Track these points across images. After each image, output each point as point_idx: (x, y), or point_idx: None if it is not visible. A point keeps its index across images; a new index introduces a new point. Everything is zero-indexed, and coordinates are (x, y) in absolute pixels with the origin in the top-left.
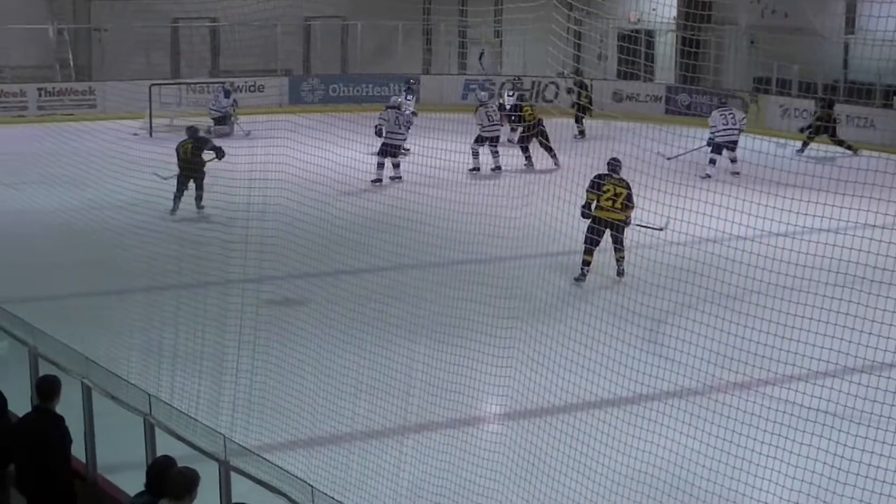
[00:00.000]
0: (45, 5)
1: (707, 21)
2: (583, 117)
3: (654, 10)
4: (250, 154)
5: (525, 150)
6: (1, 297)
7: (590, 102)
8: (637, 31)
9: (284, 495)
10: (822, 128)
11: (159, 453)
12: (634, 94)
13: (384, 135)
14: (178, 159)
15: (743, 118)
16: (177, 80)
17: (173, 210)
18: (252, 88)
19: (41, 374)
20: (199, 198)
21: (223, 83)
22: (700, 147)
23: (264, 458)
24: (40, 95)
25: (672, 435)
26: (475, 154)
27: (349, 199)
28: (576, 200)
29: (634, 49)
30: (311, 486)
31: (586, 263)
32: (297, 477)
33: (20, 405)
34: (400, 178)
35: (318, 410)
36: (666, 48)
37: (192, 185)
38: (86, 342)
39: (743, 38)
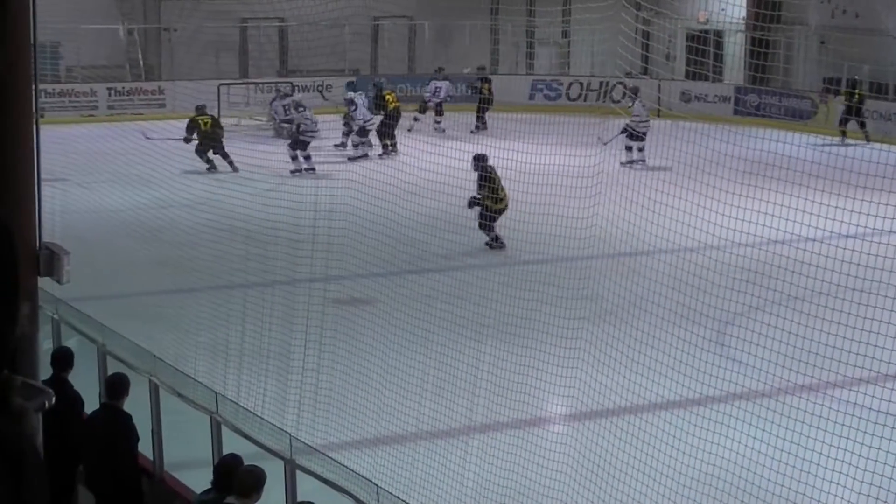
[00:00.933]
0: (115, 6)
1: (777, 21)
2: (486, 109)
3: (723, 10)
4: (316, 154)
5: (385, 136)
6: (70, 295)
7: (490, 95)
8: (706, 32)
9: (350, 494)
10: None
11: (225, 451)
12: (703, 94)
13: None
14: (198, 131)
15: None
16: (245, 80)
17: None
18: (320, 88)
19: (109, 371)
20: (231, 163)
21: (278, 89)
22: (620, 134)
23: (330, 457)
24: (110, 95)
25: (738, 437)
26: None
27: (416, 199)
28: (644, 202)
29: (703, 49)
30: (377, 486)
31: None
32: (362, 476)
33: (88, 403)
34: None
35: (384, 409)
36: (735, 48)
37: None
38: (153, 340)
39: (813, 38)
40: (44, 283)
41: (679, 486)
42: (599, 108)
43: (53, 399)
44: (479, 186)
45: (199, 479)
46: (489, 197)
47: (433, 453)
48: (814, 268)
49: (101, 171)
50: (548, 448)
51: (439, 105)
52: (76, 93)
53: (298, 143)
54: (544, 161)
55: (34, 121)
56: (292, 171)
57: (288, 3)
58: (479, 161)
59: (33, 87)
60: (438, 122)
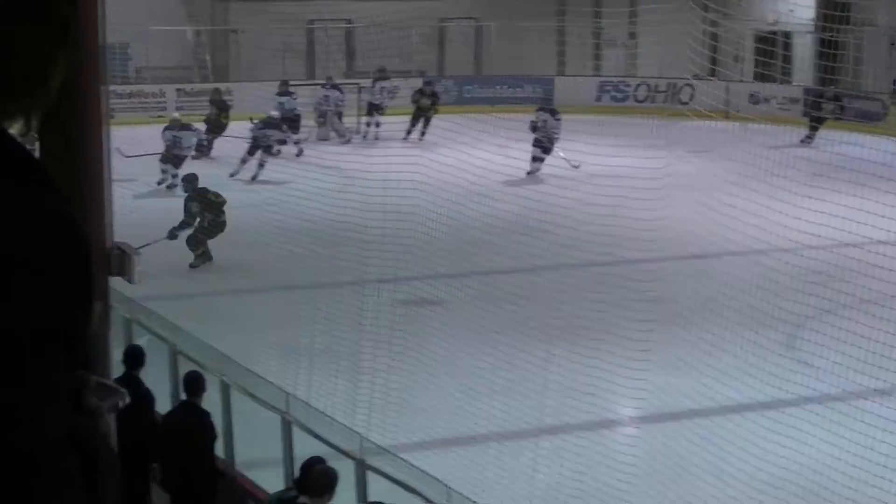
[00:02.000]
0: (183, 8)
1: (846, 22)
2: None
3: (791, 11)
4: (385, 155)
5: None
6: (142, 295)
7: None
8: (774, 33)
9: (420, 495)
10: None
11: (296, 451)
12: (771, 96)
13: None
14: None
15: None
16: (311, 82)
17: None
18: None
19: (181, 371)
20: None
21: (324, 84)
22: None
23: (400, 458)
24: (178, 96)
25: (810, 441)
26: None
27: (484, 201)
28: (714, 204)
29: (771, 51)
30: (447, 486)
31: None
32: (432, 476)
33: (159, 401)
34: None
35: (454, 410)
36: (804, 50)
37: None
38: (224, 340)
39: (883, 39)
40: (115, 282)
41: (750, 489)
42: (668, 109)
43: (127, 398)
44: (188, 209)
45: (269, 479)
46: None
47: (503, 454)
48: (886, 270)
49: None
50: (617, 450)
51: (379, 106)
52: (145, 94)
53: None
54: (612, 162)
55: (104, 122)
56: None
57: (355, 4)
58: (190, 182)
59: (103, 88)
60: (376, 127)
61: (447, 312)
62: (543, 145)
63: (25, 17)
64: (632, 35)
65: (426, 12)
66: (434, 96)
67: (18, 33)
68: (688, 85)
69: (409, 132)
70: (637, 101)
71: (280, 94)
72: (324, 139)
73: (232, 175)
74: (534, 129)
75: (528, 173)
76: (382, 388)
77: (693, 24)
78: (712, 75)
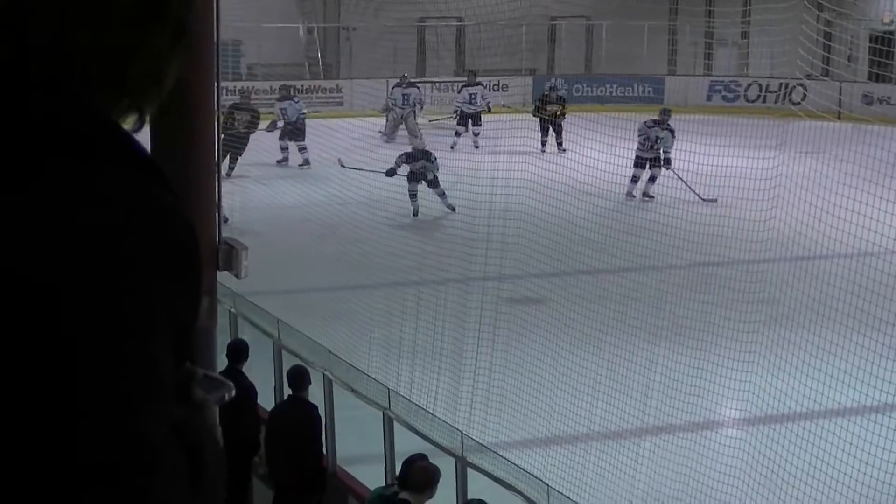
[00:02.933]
0: (296, 5)
1: None
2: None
3: None
4: (494, 153)
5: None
6: (246, 289)
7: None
8: (890, 33)
9: (520, 493)
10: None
11: (397, 447)
12: (886, 96)
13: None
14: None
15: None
16: (422, 79)
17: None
18: (496, 87)
19: (285, 365)
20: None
21: (400, 82)
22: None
23: (501, 455)
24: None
25: None
26: None
27: (590, 200)
28: (824, 205)
29: (887, 51)
30: (547, 485)
31: None
32: (533, 475)
33: (263, 395)
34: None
35: (555, 409)
36: None
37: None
38: (328, 335)
39: None
40: (221, 277)
41: (853, 493)
42: (779, 109)
43: (234, 392)
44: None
45: (371, 474)
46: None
47: (604, 454)
48: None
49: (277, 168)
50: (721, 452)
51: (477, 115)
52: (257, 91)
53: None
54: (722, 163)
55: (216, 118)
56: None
57: (466, 2)
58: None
59: (216, 84)
60: (476, 135)
61: (551, 311)
62: (657, 165)
63: (146, 17)
64: (744, 34)
65: (537, 10)
66: (561, 101)
67: (138, 35)
68: (800, 85)
69: (543, 143)
70: (748, 100)
71: (281, 98)
72: (390, 140)
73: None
74: (649, 146)
75: (645, 194)
76: (484, 386)
77: (807, 24)
78: (825, 75)
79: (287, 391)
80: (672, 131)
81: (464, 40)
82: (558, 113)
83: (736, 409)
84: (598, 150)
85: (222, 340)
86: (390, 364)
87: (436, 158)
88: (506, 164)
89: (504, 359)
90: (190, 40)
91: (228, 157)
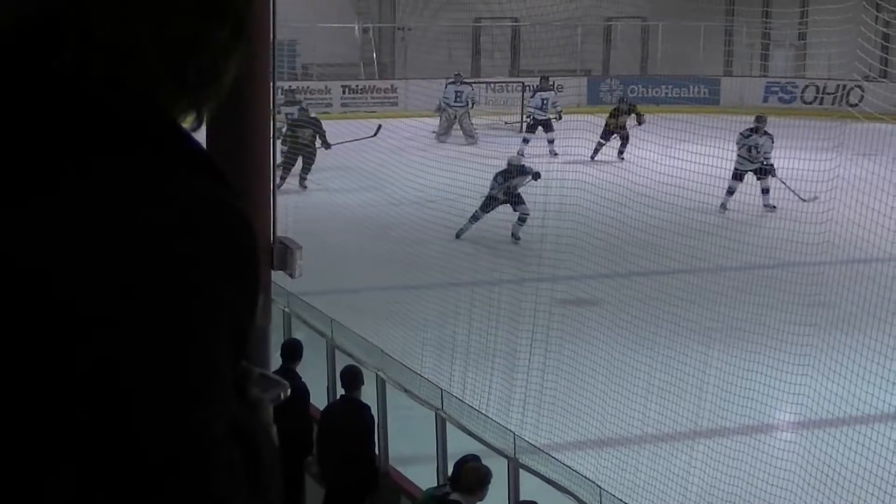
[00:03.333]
0: (351, 5)
1: None
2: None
3: None
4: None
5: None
6: (301, 289)
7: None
8: None
9: (572, 494)
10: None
11: (450, 448)
12: None
13: None
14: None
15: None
16: (477, 79)
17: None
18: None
19: (338, 365)
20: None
21: (453, 80)
22: None
23: (553, 457)
24: (344, 93)
25: None
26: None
27: (645, 201)
28: (882, 208)
29: None
30: (599, 487)
31: None
32: (585, 477)
33: (317, 395)
34: None
35: (608, 411)
36: None
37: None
38: (381, 336)
39: None
40: (276, 276)
41: None
42: (836, 111)
43: (289, 391)
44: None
45: (423, 475)
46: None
47: (657, 457)
48: None
49: (334, 168)
50: (775, 455)
51: (548, 122)
52: (311, 90)
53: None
54: (779, 164)
55: (272, 117)
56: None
57: (522, 2)
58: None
59: (272, 84)
60: (552, 142)
61: (605, 312)
62: (764, 176)
63: (207, 14)
64: (801, 36)
65: (593, 11)
66: (634, 111)
67: (200, 30)
68: (858, 86)
69: (596, 150)
70: (805, 102)
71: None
72: (443, 140)
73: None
74: (747, 155)
75: (766, 206)
76: (537, 387)
77: (865, 25)
78: (883, 76)
79: (340, 391)
80: (771, 136)
81: (518, 41)
82: (631, 124)
83: (791, 413)
84: (654, 151)
85: (276, 339)
86: (443, 365)
87: (532, 170)
88: (560, 164)
89: (557, 360)
90: (249, 38)
91: (282, 168)
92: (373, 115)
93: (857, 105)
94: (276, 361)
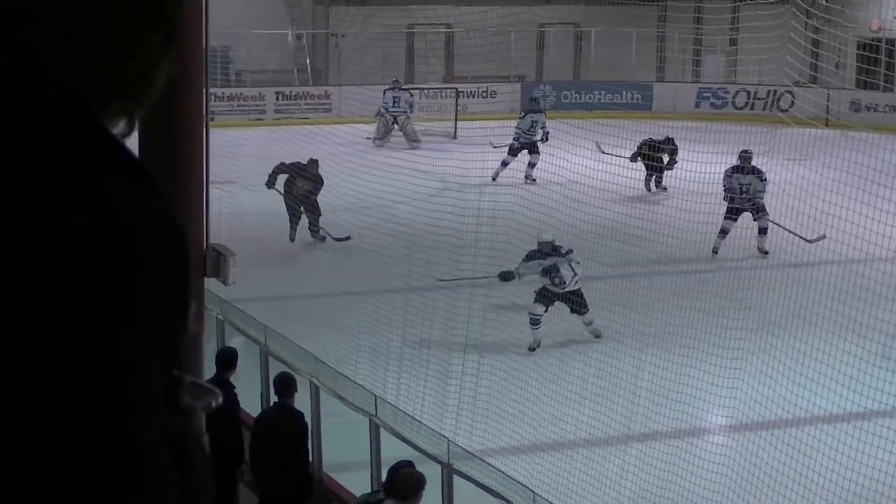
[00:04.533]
0: (285, 11)
1: None
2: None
3: None
4: (482, 160)
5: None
6: (235, 296)
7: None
8: (878, 40)
9: (506, 500)
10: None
11: (384, 454)
12: (873, 104)
13: None
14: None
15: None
16: (412, 86)
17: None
18: (484, 94)
19: (272, 371)
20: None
21: (392, 87)
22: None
23: (487, 462)
24: (278, 99)
25: None
26: None
27: (579, 206)
28: (810, 212)
29: (875, 58)
30: (533, 492)
31: None
32: (518, 482)
33: (250, 402)
34: None
35: (542, 416)
36: None
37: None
38: (315, 342)
39: None
40: (209, 283)
41: (840, 500)
42: (767, 116)
43: (221, 399)
44: None
45: (357, 481)
46: None
47: (591, 461)
48: None
49: (266, 175)
50: (707, 459)
51: (535, 144)
52: (245, 97)
53: None
54: (710, 170)
55: (204, 123)
56: None
57: (455, 9)
58: None
59: (204, 90)
60: (534, 166)
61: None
62: (758, 217)
63: (141, 18)
64: (732, 42)
65: (526, 17)
66: (673, 152)
67: (135, 34)
68: (788, 92)
69: (655, 183)
70: (736, 107)
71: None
72: (380, 144)
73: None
74: (732, 197)
75: (760, 250)
76: (471, 393)
77: (795, 31)
78: (813, 82)
79: (274, 398)
80: (759, 174)
81: (452, 47)
82: (665, 166)
83: (723, 416)
84: (586, 157)
85: (210, 347)
86: (377, 371)
87: (568, 252)
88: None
89: (491, 366)
90: (180, 42)
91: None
92: (306, 121)
93: (787, 110)
94: (210, 370)
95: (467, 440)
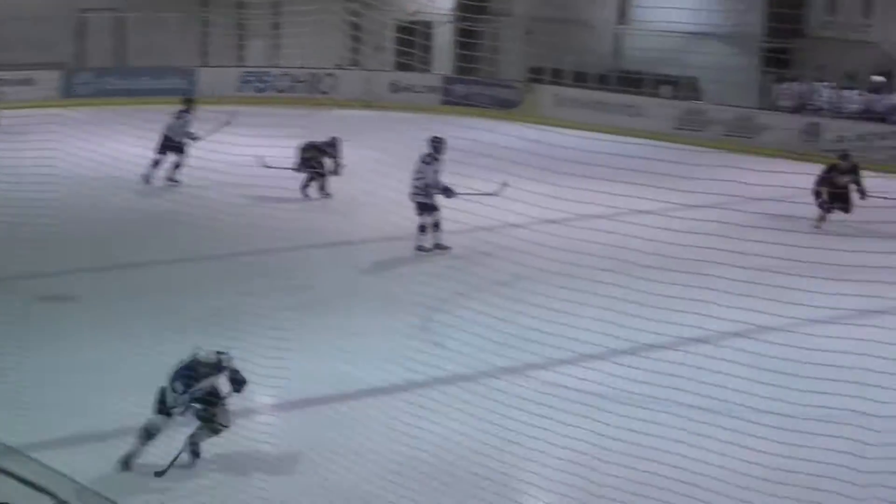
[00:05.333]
0: None
1: (483, 12)
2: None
3: (431, 1)
4: (17, 149)
5: None
6: None
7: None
8: (415, 23)
9: (50, 493)
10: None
11: None
12: (411, 84)
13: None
14: None
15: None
16: None
17: None
18: (23, 82)
19: None
20: None
21: None
22: None
23: (30, 457)
24: None
25: (442, 420)
26: None
27: (122, 194)
28: (355, 193)
29: (411, 41)
30: (77, 483)
31: None
32: (62, 474)
33: None
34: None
35: (86, 407)
36: (443, 39)
37: None
38: None
39: (518, 28)
40: None
41: (384, 470)
42: (309, 99)
43: None
44: None
45: None
46: None
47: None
48: (517, 253)
49: None
50: (255, 439)
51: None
52: None
53: None
54: (248, 153)
55: None
56: None
57: None
58: None
59: None
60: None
61: (84, 308)
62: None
63: None
64: (275, 26)
65: (67, 3)
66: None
67: None
68: (329, 75)
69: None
70: (278, 91)
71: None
72: None
73: None
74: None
75: (418, 247)
76: (13, 387)
77: (336, 14)
78: (355, 65)
79: None
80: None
81: None
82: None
83: (270, 396)
84: (129, 144)
85: None
86: None
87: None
88: (31, 158)
89: (35, 359)
90: None
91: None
92: None
93: (327, 93)
94: None
95: (8, 435)
